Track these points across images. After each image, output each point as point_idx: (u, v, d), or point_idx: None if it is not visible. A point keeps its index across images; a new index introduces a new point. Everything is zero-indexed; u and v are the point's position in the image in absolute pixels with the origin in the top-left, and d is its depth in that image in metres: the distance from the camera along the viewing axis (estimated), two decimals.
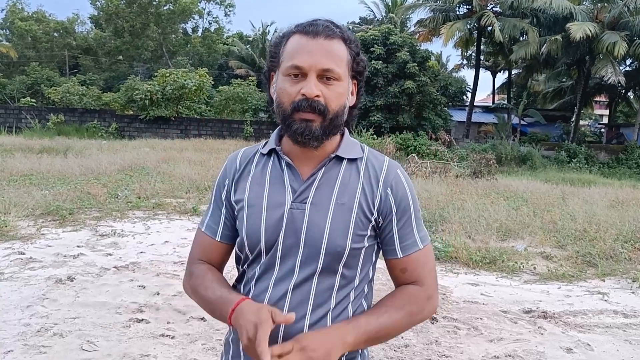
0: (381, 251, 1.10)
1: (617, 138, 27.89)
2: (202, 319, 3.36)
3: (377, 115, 20.66)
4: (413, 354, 2.96)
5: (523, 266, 4.88)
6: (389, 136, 17.37)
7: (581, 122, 38.35)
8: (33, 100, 25.68)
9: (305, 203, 1.01)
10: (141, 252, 4.90)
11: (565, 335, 3.29)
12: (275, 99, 1.03)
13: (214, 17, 43.11)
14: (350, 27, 37.19)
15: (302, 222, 1.00)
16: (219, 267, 1.16)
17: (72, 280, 4.01)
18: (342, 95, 1.02)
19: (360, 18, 39.21)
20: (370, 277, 1.10)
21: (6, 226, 5.43)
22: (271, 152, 1.08)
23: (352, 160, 1.06)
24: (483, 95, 38.81)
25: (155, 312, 3.49)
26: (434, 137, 18.61)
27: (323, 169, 1.03)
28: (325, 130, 1.00)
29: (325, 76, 0.99)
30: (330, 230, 1.00)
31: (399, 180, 1.06)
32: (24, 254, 4.67)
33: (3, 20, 40.48)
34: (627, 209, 7.25)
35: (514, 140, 22.98)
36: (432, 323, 3.40)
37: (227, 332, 1.14)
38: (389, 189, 1.04)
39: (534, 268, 4.84)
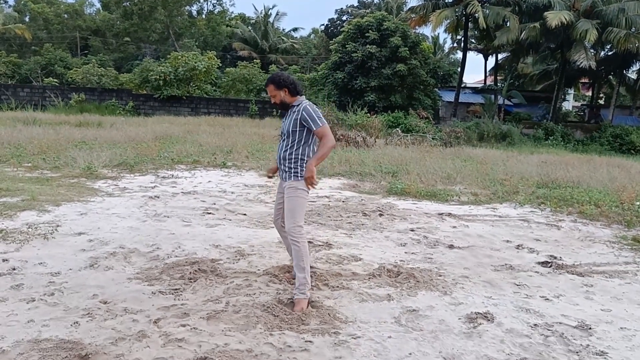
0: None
1: (595, 118, 30.02)
2: (244, 214, 5.70)
3: (372, 96, 22.80)
4: (366, 231, 5.28)
5: (453, 198, 7.21)
6: (378, 114, 19.57)
7: (574, 103, 40.21)
8: (55, 80, 27.79)
9: (285, 121, 3.43)
10: (195, 186, 7.24)
11: (456, 222, 5.64)
12: None
13: (217, 0, 44.74)
14: (349, 10, 39.13)
15: (284, 125, 3.42)
16: None
17: (158, 198, 6.35)
18: (277, 97, 3.38)
19: (359, 1, 40.95)
20: (306, 142, 3.36)
21: (96, 170, 7.76)
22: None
23: (298, 106, 3.39)
24: (480, 77, 40.64)
25: (215, 211, 5.83)
26: (414, 113, 20.87)
27: (289, 111, 3.42)
28: (282, 107, 3.44)
29: (271, 96, 3.41)
30: (288, 126, 3.35)
31: (306, 108, 3.30)
32: (117, 185, 7.01)
33: (16, 3, 42.21)
34: (547, 167, 9.57)
35: (497, 119, 25.12)
36: (380, 216, 5.75)
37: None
38: (303, 111, 3.29)
39: (459, 198, 7.17)
